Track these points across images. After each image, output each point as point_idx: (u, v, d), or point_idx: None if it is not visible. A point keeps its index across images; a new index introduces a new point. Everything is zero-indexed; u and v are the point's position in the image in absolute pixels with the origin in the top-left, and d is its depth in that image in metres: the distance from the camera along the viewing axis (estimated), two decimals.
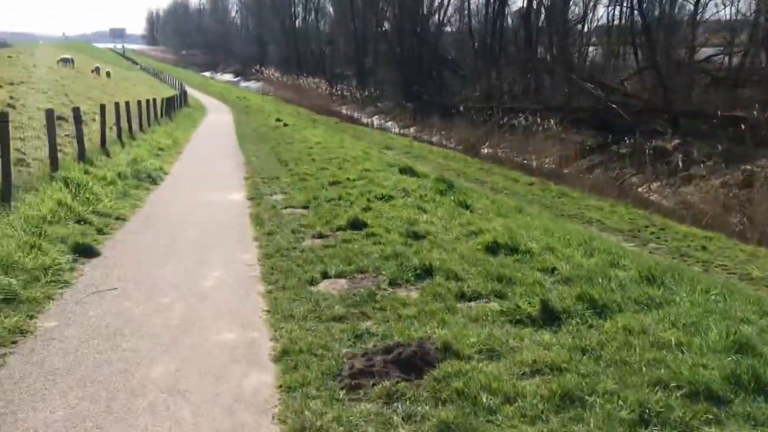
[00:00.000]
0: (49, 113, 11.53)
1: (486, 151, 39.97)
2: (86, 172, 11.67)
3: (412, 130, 49.56)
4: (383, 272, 6.61)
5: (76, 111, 13.56)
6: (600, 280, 6.19)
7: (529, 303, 5.50)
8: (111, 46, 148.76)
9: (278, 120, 33.87)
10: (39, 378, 4.38)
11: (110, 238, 8.50)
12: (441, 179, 12.54)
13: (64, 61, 46.48)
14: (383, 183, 12.73)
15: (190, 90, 62.76)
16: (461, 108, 43.47)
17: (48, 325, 5.34)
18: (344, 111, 58.66)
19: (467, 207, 10.58)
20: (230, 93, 67.03)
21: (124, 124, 19.80)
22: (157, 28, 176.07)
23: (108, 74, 52.48)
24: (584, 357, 4.53)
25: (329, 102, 61.62)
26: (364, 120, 54.01)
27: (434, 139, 46.26)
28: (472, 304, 5.75)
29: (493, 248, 7.43)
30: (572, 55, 45.55)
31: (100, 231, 8.67)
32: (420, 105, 54.67)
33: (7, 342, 4.93)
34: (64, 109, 23.13)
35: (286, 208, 10.74)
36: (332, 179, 13.37)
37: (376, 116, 55.86)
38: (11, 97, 21.30)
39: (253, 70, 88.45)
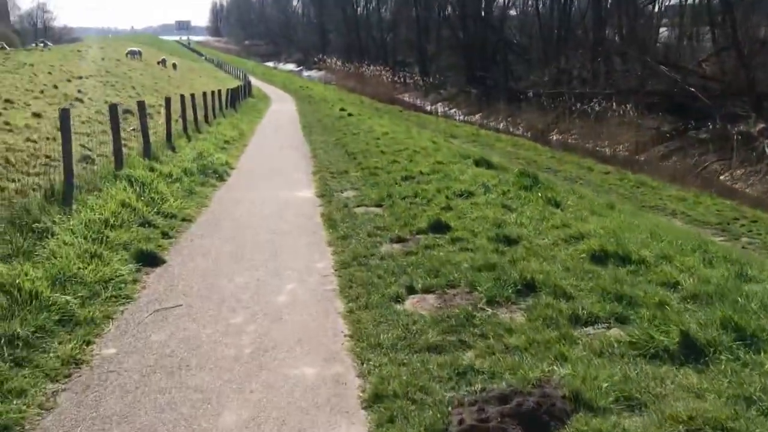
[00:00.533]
0: (113, 109, 11.05)
1: (555, 137, 38.51)
2: (151, 169, 11.19)
3: (476, 116, 48.32)
4: (478, 287, 5.76)
5: (141, 105, 13.13)
6: (736, 298, 5.21)
7: (664, 333, 4.55)
8: (177, 38, 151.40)
9: (342, 110, 33.26)
10: (93, 427, 3.74)
11: (175, 242, 7.92)
12: (525, 173, 11.56)
13: (132, 53, 47.02)
14: (460, 177, 11.85)
15: (253, 80, 62.92)
16: (529, 93, 42.02)
17: (106, 352, 4.72)
18: (407, 99, 57.76)
19: (557, 204, 9.61)
20: (293, 83, 66.97)
21: (189, 117, 19.47)
22: (221, 19, 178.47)
23: (174, 66, 52.96)
24: (752, 410, 3.60)
25: (391, 90, 60.78)
26: (428, 107, 53.00)
27: (500, 125, 44.95)
28: (591, 330, 4.85)
29: (599, 257, 6.48)
30: (643, 37, 43.44)
31: (165, 234, 8.11)
32: (484, 91, 53.29)
33: (61, 376, 4.32)
34: (131, 102, 23.06)
35: (358, 206, 9.99)
36: (404, 173, 12.56)
37: (440, 103, 54.77)
38: (79, 91, 21.26)
39: (315, 60, 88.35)
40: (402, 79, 61.89)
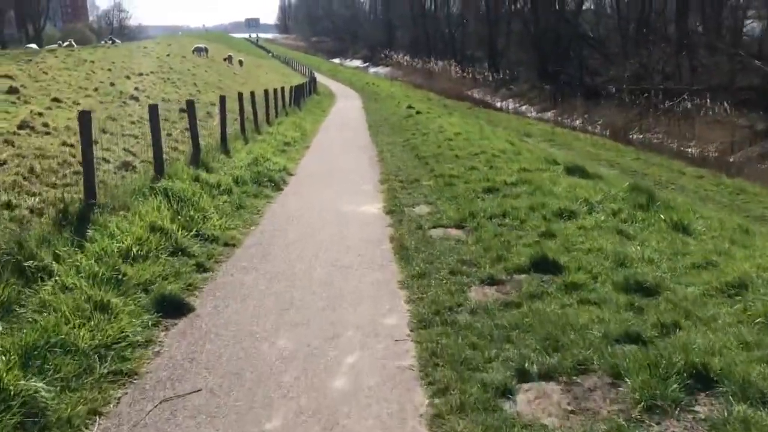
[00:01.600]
0: (153, 110, 9.58)
1: (636, 136, 35.85)
2: (196, 179, 9.70)
3: (549, 114, 45.81)
4: (624, 377, 3.93)
5: (190, 104, 11.66)
6: None
7: None
8: (246, 35, 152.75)
9: (410, 107, 31.51)
10: None
11: (211, 279, 6.33)
12: (637, 187, 9.53)
13: (198, 50, 46.45)
14: (553, 189, 9.94)
15: (319, 77, 61.88)
16: (611, 90, 39.36)
17: None
18: (476, 95, 55.50)
19: (685, 230, 7.62)
20: (359, 79, 65.61)
21: (250, 116, 18.13)
22: (289, 16, 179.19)
23: (240, 63, 52.30)
24: None
25: (460, 86, 58.62)
26: (498, 104, 50.71)
27: (576, 123, 42.42)
28: None
29: None
30: (729, 29, 40.15)
31: (199, 267, 6.54)
32: (558, 87, 50.65)
33: None
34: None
35: (434, 227, 8.23)
36: (486, 184, 10.71)
37: (510, 99, 52.36)
38: (136, 88, 20.19)
39: (382, 55, 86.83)
40: (471, 75, 59.62)
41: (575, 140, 30.74)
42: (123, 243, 6.30)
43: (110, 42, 49.14)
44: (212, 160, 11.87)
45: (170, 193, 8.31)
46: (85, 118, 7.15)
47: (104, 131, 12.52)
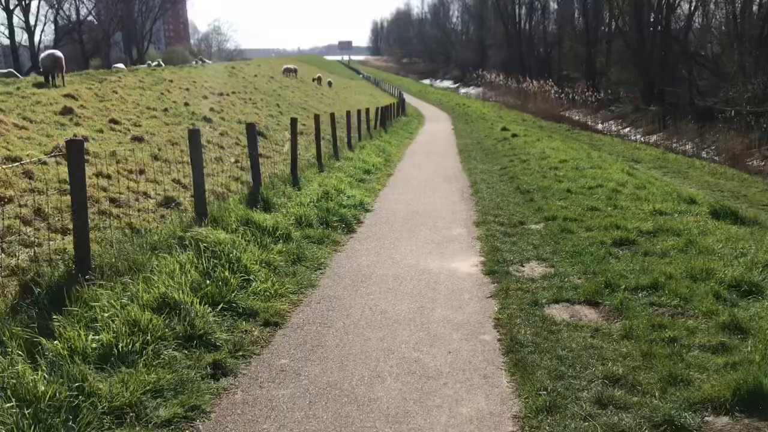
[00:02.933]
0: (194, 135, 7.65)
1: (756, 163, 31.97)
2: (247, 222, 7.71)
3: (655, 137, 42.04)
4: None
5: (251, 129, 9.71)
6: None
7: None
8: (339, 57, 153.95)
9: (504, 129, 29.01)
10: None
11: (228, 392, 4.22)
12: None
13: (287, 71, 45.57)
14: (709, 245, 7.36)
15: (408, 98, 60.15)
16: (727, 112, 35.49)
17: None
18: (574, 116, 52.15)
19: None
20: (449, 100, 63.47)
21: (327, 135, 16.26)
22: (381, 38, 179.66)
23: (329, 83, 51.26)
24: None
25: (556, 106, 55.38)
26: (598, 126, 47.25)
27: (686, 148, 38.71)
28: None
29: None
30: None
31: (217, 369, 4.45)
32: (664, 108, 46.82)
33: None
34: (269, 121, 20.30)
35: (555, 301, 5.87)
36: (616, 233, 8.23)
37: (612, 121, 48.78)
38: (211, 109, 18.73)
39: (475, 75, 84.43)
40: (568, 95, 56.31)
41: (689, 167, 27.32)
42: (104, 335, 4.29)
43: (200, 62, 49.06)
44: (276, 194, 9.91)
45: (203, 246, 6.31)
46: (73, 148, 5.13)
47: (156, 158, 10.83)
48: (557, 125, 44.16)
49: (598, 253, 7.42)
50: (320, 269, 7.23)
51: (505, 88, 66.98)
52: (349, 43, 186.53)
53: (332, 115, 16.56)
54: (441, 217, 10.27)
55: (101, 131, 11.72)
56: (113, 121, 12.89)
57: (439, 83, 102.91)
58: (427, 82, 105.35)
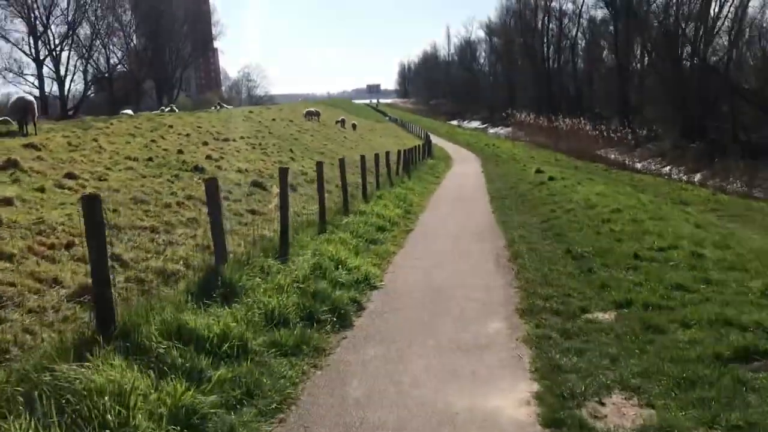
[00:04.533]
0: (91, 204, 5.08)
1: None
2: (178, 332, 5.07)
3: (699, 176, 38.86)
4: None
5: (210, 186, 7.12)
6: None
7: None
8: (367, 101, 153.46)
9: (539, 171, 26.26)
10: None
11: None
12: None
13: (309, 114, 43.54)
14: None
15: (436, 139, 57.81)
16: None
17: None
18: (610, 155, 49.11)
19: None
20: (478, 140, 60.98)
21: (334, 184, 13.69)
22: (409, 81, 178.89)
23: (353, 126, 49.17)
24: None
25: (590, 145, 52.42)
26: (637, 165, 44.18)
27: (733, 186, 35.58)
28: None
29: None
30: None
31: None
32: (706, 145, 43.72)
33: None
34: (275, 169, 17.85)
35: None
36: (733, 338, 5.44)
37: (650, 160, 45.71)
38: (207, 157, 16.36)
39: (504, 114, 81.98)
40: (603, 133, 53.35)
41: (747, 209, 24.22)
42: None
43: (218, 107, 47.42)
44: (248, 273, 7.26)
45: (145, 348, 3.76)
46: None
47: (110, 224, 8.32)
48: (593, 165, 41.23)
49: (721, 380, 4.62)
50: (280, 412, 4.54)
51: (536, 127, 64.33)
52: (378, 86, 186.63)
53: (342, 161, 14.01)
54: (471, 298, 7.52)
55: (42, 190, 9.30)
56: (70, 175, 10.52)
57: (467, 124, 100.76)
58: (455, 123, 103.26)
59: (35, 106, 14.36)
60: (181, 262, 7.73)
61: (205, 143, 18.43)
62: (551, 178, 22.82)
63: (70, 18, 69.43)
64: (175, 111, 33.07)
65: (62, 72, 70.34)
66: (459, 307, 7.15)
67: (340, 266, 8.36)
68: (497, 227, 13.05)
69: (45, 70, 68.34)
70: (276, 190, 9.44)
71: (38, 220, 7.54)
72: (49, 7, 67.47)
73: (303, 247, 9.25)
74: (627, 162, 45.86)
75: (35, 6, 65.99)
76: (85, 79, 75.36)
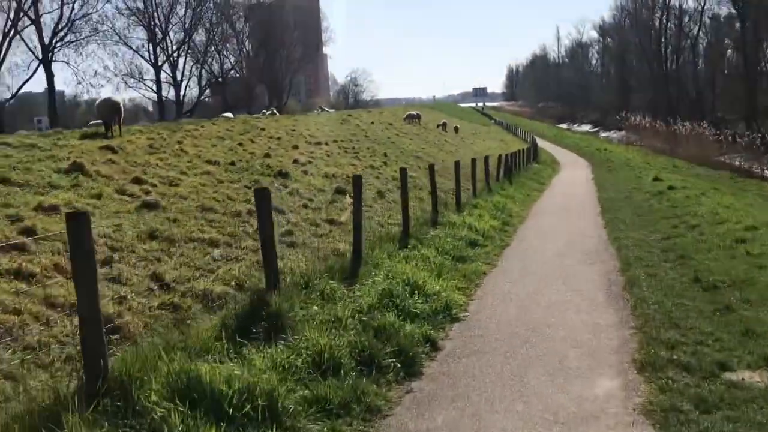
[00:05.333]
0: (76, 226, 4.05)
1: None
2: (186, 388, 3.96)
3: None
4: None
5: (260, 195, 6.01)
6: None
7: None
8: (473, 104, 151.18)
9: (657, 179, 23.86)
10: None
11: None
12: None
13: (410, 117, 42.47)
14: None
15: (543, 143, 55.33)
16: None
17: None
18: (734, 161, 44.88)
19: None
20: (588, 144, 57.85)
21: (449, 192, 12.42)
22: (516, 84, 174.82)
23: (456, 129, 47.67)
24: None
25: (711, 151, 48.19)
26: (766, 172, 40.01)
27: None
28: None
29: None
30: None
31: None
32: None
33: None
34: (366, 174, 16.80)
35: None
36: None
37: None
38: (295, 161, 15.50)
39: (617, 117, 77.72)
40: (727, 138, 48.99)
41: None
42: None
43: (319, 110, 47.28)
44: (304, 300, 6.12)
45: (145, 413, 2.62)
46: None
47: (152, 236, 7.44)
48: (715, 173, 37.62)
49: None
50: None
51: (651, 131, 60.25)
52: (484, 89, 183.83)
53: (431, 167, 12.71)
54: (574, 342, 6.01)
55: (98, 197, 8.59)
56: (137, 180, 9.85)
57: (576, 127, 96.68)
58: (564, 126, 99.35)
59: (122, 107, 14.02)
60: (234, 283, 6.70)
61: (296, 147, 17.64)
62: (671, 187, 20.51)
63: (187, 25, 72.06)
64: (275, 114, 32.89)
65: (178, 77, 73.09)
66: (558, 355, 5.67)
67: (416, 292, 7.06)
68: (609, 245, 11.31)
69: (162, 75, 71.20)
70: (349, 200, 8.27)
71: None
72: (167, 15, 70.29)
73: (377, 266, 8.02)
74: (754, 169, 41.68)
75: (155, 14, 68.92)
76: (199, 83, 78.01)
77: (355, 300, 6.41)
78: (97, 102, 15.14)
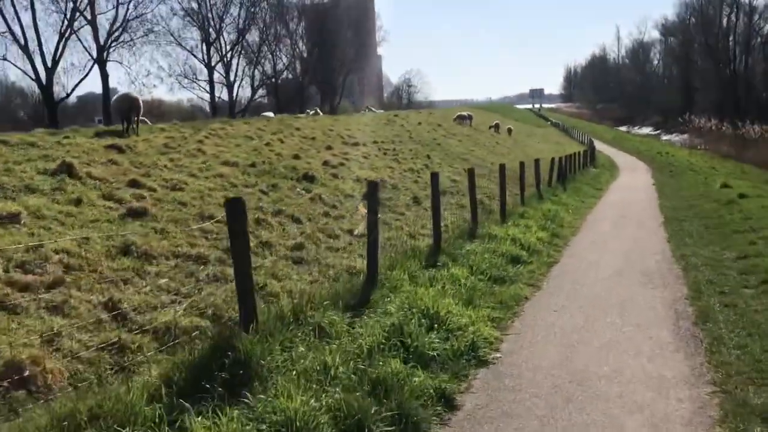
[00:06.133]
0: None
1: None
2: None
3: None
4: None
5: (231, 205, 4.83)
6: None
7: None
8: (529, 106, 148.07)
9: (725, 186, 21.83)
10: None
11: None
12: None
13: (461, 118, 40.92)
14: None
15: (601, 145, 52.97)
16: None
17: None
18: None
19: None
20: (649, 148, 55.11)
21: (499, 199, 11.07)
22: (574, 85, 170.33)
23: (509, 131, 45.90)
24: None
25: None
26: None
27: None
28: None
29: None
30: None
31: None
32: None
33: None
34: (402, 178, 15.54)
35: None
36: None
37: None
38: (325, 163, 14.32)
39: (680, 119, 74.23)
40: None
41: None
42: None
43: (366, 110, 46.19)
44: (291, 337, 4.91)
45: None
46: None
47: (124, 253, 6.31)
48: None
49: None
50: None
51: (717, 134, 57.04)
52: (541, 90, 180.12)
53: (471, 171, 11.35)
54: (632, 402, 4.61)
55: (77, 203, 7.54)
56: (134, 183, 8.82)
57: (637, 130, 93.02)
58: (623, 128, 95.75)
59: (140, 103, 13.08)
60: (211, 312, 5.51)
61: (329, 147, 16.49)
62: (742, 196, 18.53)
63: (240, 25, 72.09)
64: (318, 114, 31.92)
65: (231, 78, 73.17)
66: (612, 425, 4.28)
67: (436, 326, 5.77)
68: (674, 264, 9.74)
69: (216, 76, 71.37)
70: (362, 210, 6.98)
71: (34, 247, 5.69)
72: (221, 16, 70.43)
73: (395, 289, 6.75)
74: None
75: (209, 15, 69.13)
76: (252, 84, 78.02)
77: (355, 339, 5.15)
78: (114, 98, 14.31)
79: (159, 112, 57.60)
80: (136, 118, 13.10)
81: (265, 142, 14.68)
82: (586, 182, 25.54)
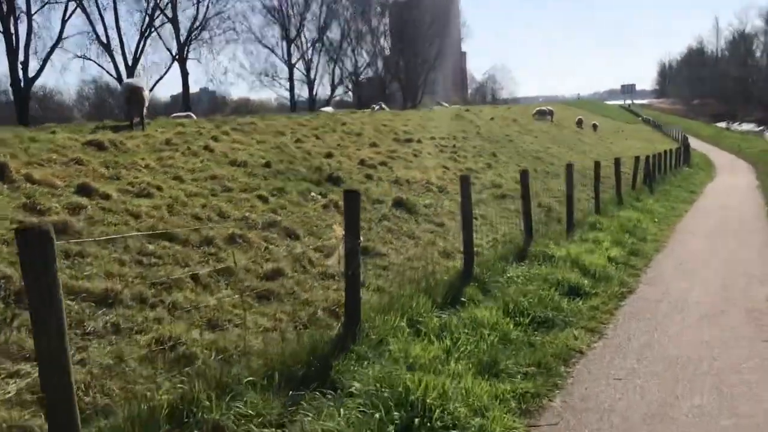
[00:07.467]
0: None
1: None
2: None
3: None
4: None
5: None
6: None
7: None
8: (620, 102, 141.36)
9: None
10: None
11: None
12: None
13: (540, 114, 38.00)
14: None
15: (696, 143, 48.53)
16: None
17: None
18: None
19: None
20: (751, 146, 50.04)
21: (567, 205, 8.85)
22: (668, 80, 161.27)
23: (594, 127, 42.56)
24: None
25: None
26: None
27: None
28: None
29: None
30: None
31: None
32: None
33: None
34: (453, 181, 13.33)
35: None
36: None
37: None
38: (361, 162, 12.32)
39: None
40: None
41: None
42: None
43: (437, 105, 44.09)
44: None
45: None
46: None
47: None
48: None
49: None
50: None
51: None
52: (632, 86, 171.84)
53: (523, 174, 9.09)
54: None
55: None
56: (82, 189, 7.06)
57: (737, 126, 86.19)
58: (722, 125, 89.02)
59: (143, 93, 11.46)
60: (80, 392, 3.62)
61: (374, 144, 14.48)
62: None
63: (321, 22, 71.36)
64: (384, 109, 30.06)
65: (312, 75, 72.55)
66: None
67: (416, 421, 3.66)
68: None
69: (296, 74, 70.91)
70: (338, 231, 4.93)
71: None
72: (302, 13, 69.89)
73: (379, 345, 4.68)
74: None
75: (290, 12, 68.74)
76: (332, 81, 77.26)
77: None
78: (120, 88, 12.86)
79: (246, 110, 57.28)
80: (140, 110, 11.50)
81: (295, 139, 12.84)
82: (678, 184, 22.42)
